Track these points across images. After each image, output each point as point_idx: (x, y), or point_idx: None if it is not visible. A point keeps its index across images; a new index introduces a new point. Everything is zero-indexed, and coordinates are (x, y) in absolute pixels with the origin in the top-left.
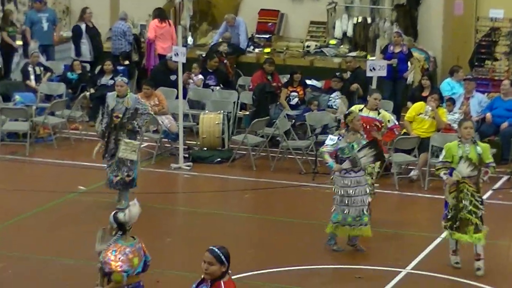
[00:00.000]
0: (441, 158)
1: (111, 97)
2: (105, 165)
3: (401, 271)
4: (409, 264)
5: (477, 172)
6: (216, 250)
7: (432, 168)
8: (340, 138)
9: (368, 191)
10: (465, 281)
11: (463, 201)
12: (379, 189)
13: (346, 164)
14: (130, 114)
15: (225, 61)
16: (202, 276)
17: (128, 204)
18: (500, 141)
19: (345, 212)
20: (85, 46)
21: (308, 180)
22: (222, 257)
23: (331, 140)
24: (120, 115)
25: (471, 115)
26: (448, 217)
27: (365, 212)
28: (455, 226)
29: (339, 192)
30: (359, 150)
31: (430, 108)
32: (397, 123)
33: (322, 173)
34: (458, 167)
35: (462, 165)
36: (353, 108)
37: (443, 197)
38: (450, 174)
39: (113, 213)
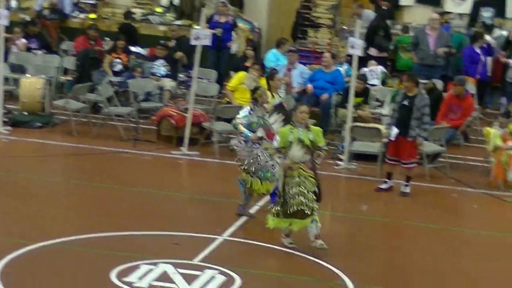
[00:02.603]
0: (276, 144)
1: None
2: None
3: (217, 238)
4: (226, 231)
5: (310, 156)
6: None
7: None
8: (250, 112)
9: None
10: (279, 248)
11: (294, 188)
12: (200, 157)
13: (261, 132)
14: None
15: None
16: None
17: None
18: (320, 112)
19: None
20: None
21: (129, 147)
22: None
23: (243, 112)
24: None
25: (292, 85)
26: (279, 202)
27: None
28: (288, 212)
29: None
30: (269, 116)
31: (252, 78)
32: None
33: (143, 140)
34: (290, 152)
35: (294, 149)
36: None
37: None
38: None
39: None
